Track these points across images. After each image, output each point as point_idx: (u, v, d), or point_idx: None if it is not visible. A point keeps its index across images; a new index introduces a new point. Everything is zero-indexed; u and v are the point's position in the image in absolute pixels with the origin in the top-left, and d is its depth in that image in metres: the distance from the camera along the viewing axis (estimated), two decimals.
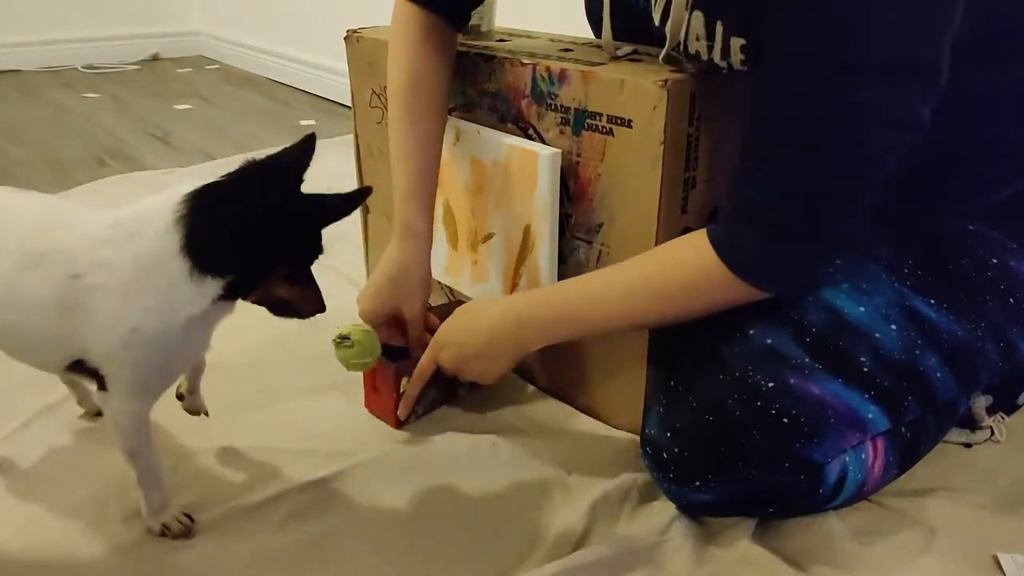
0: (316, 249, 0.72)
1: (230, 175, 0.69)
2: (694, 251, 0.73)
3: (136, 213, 0.69)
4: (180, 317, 0.68)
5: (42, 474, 0.87)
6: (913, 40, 0.61)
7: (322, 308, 0.76)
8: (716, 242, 0.71)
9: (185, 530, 0.78)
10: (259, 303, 0.73)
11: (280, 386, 1.03)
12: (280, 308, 0.74)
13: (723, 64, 0.74)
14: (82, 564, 0.76)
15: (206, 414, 0.91)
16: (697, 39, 0.74)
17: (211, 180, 0.69)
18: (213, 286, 0.67)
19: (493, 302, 0.90)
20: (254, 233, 0.67)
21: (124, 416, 0.74)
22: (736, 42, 0.71)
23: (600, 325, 0.83)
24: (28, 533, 0.79)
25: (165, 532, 0.78)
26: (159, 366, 0.72)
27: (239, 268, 0.68)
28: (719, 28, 0.72)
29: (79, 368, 0.72)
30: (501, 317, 0.84)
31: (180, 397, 0.90)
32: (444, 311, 1.03)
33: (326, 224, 0.70)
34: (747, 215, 0.70)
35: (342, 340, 0.90)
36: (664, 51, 0.78)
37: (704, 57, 0.75)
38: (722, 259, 0.70)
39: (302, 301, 0.74)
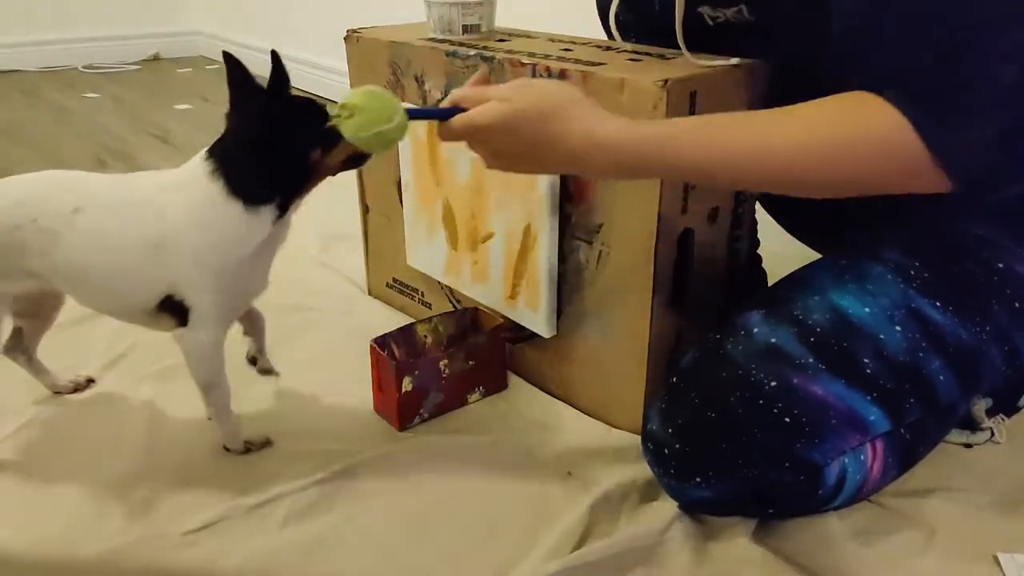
0: (321, 133, 0.73)
1: (226, 126, 0.79)
2: (877, 119, 0.63)
3: (180, 171, 0.79)
4: (251, 243, 0.79)
5: (42, 474, 0.87)
6: None
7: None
8: (920, 121, 0.62)
9: (266, 440, 0.90)
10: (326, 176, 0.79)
11: (281, 386, 1.03)
12: (344, 167, 0.79)
13: None
14: (82, 564, 0.76)
15: (277, 374, 1.00)
16: None
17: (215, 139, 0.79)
18: (269, 211, 0.78)
19: (579, 119, 0.68)
20: (268, 156, 0.76)
21: (205, 346, 0.82)
22: None
23: (715, 179, 0.71)
24: (28, 533, 0.79)
25: (250, 448, 0.89)
26: (234, 291, 0.82)
27: (276, 182, 0.77)
28: None
29: (166, 306, 0.80)
30: (582, 137, 0.67)
31: (252, 361, 0.99)
32: (452, 318, 1.04)
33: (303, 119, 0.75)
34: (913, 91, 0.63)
35: (342, 112, 0.70)
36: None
37: None
38: (924, 138, 0.62)
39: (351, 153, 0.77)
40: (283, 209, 0.79)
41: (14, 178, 0.83)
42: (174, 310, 0.80)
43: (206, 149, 0.79)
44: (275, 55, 0.74)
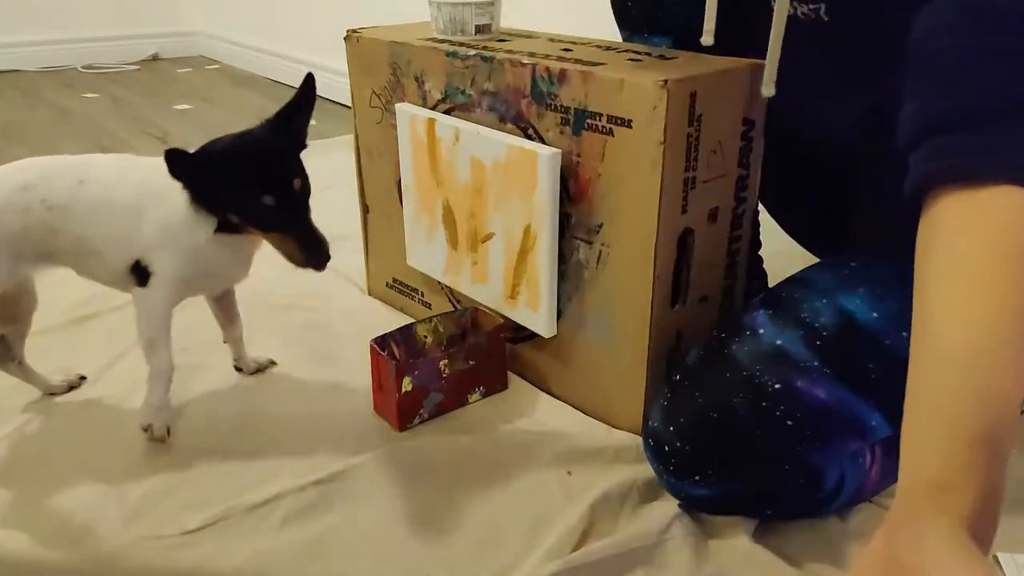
0: (277, 182, 0.80)
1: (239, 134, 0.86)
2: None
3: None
4: (201, 236, 0.84)
5: (40, 475, 0.87)
6: None
7: (317, 259, 0.84)
8: None
9: (162, 437, 0.91)
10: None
11: (281, 386, 1.03)
12: (287, 253, 0.84)
13: None
14: (82, 564, 0.76)
15: (273, 363, 1.06)
16: None
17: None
18: (211, 219, 0.83)
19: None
20: (205, 169, 0.81)
21: (154, 302, 0.87)
22: None
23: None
24: (28, 533, 0.79)
25: (147, 430, 0.90)
26: (195, 270, 0.87)
27: (212, 197, 0.82)
28: None
29: (134, 269, 0.86)
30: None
31: (238, 369, 1.05)
32: (452, 318, 1.04)
33: (267, 153, 0.82)
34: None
35: None
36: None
37: None
38: None
39: (288, 249, 0.83)
40: (224, 227, 0.83)
41: (15, 164, 0.86)
42: (138, 272, 0.86)
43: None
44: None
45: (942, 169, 0.53)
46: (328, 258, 0.84)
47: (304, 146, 0.85)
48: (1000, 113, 0.52)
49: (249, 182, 0.80)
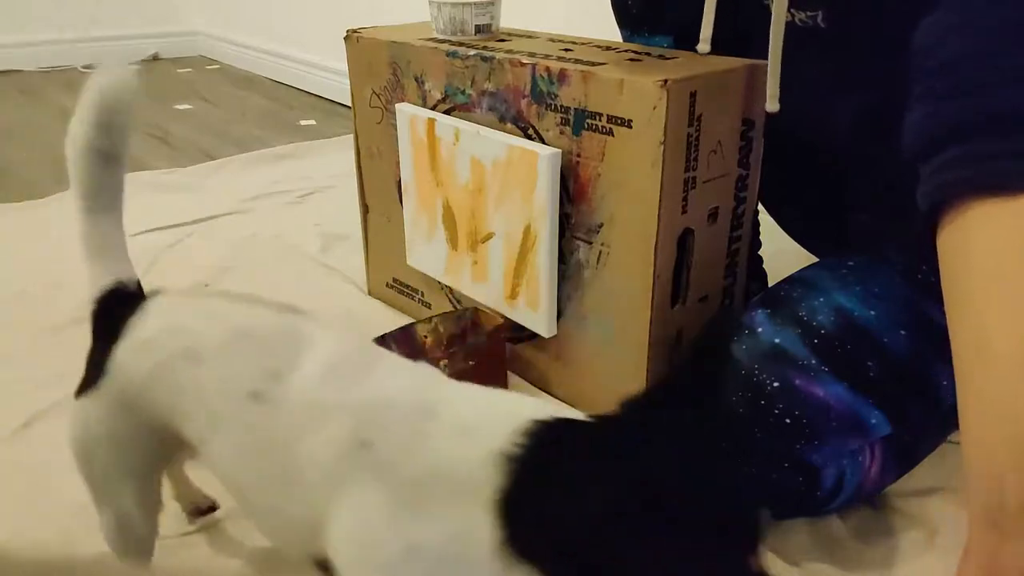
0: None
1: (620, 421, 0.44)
2: None
3: (464, 407, 0.49)
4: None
5: (42, 474, 0.87)
6: None
7: None
8: None
9: None
10: None
11: None
12: None
13: None
14: (82, 564, 0.75)
15: None
16: None
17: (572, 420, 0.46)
18: None
19: None
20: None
21: None
22: None
23: None
24: (28, 533, 0.79)
25: None
26: None
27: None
28: None
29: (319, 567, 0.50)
30: None
31: None
32: (452, 318, 1.04)
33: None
34: None
35: None
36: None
37: None
38: None
39: None
40: None
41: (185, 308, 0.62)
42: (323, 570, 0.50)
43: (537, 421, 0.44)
44: None
45: (964, 179, 0.53)
46: None
47: None
48: (1014, 120, 0.52)
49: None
